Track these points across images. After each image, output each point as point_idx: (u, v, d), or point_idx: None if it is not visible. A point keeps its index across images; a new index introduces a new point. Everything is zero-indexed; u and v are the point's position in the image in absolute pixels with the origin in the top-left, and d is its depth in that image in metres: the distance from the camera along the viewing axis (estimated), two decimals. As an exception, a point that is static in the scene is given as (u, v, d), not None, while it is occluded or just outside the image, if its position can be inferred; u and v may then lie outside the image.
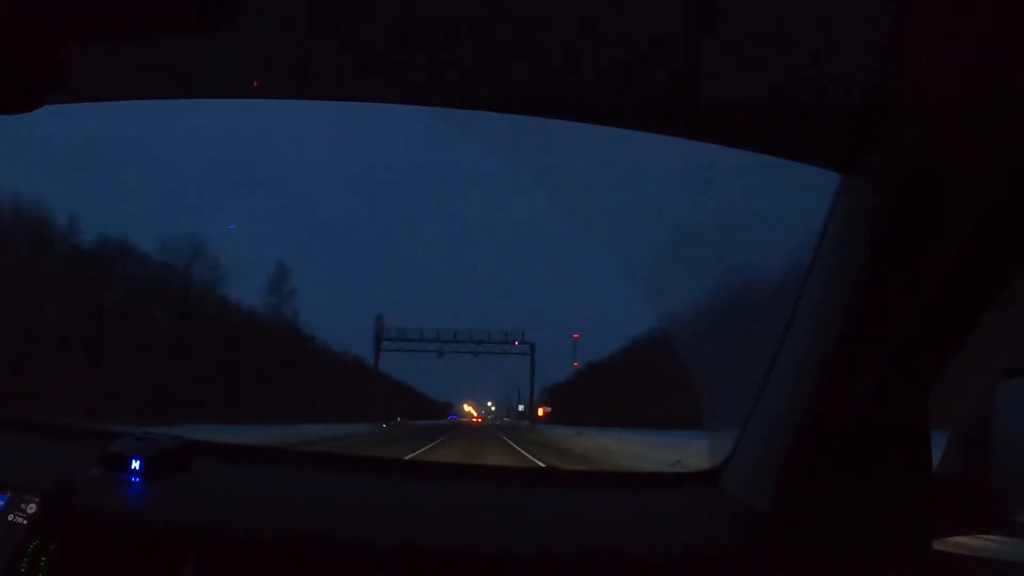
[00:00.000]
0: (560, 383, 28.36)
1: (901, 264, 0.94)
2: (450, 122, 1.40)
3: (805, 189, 1.19)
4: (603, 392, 24.53)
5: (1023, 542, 0.91)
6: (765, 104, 1.11)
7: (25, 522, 1.09)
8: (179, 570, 1.04)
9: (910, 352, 0.96)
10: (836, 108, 1.05)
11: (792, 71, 1.05)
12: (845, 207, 1.05)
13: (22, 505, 1.12)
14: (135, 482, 1.24)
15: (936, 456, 1.04)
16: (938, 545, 0.98)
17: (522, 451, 13.53)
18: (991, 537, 0.95)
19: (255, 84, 1.28)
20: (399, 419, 30.24)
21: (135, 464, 1.24)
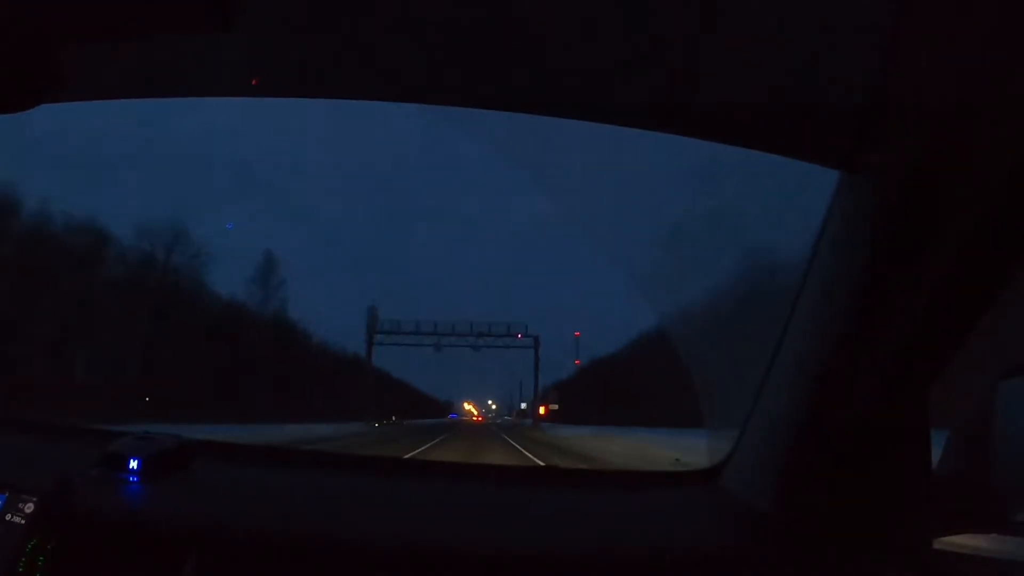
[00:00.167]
0: (561, 381, 28.12)
1: (901, 263, 0.94)
2: (450, 120, 1.40)
3: (805, 188, 1.19)
4: (604, 390, 24.35)
5: (1023, 542, 0.91)
6: (765, 103, 1.11)
7: (23, 522, 1.09)
8: (179, 570, 1.04)
9: (910, 352, 0.96)
10: (836, 107, 1.05)
11: (792, 70, 1.04)
12: (845, 206, 1.05)
13: (20, 505, 1.11)
14: (134, 482, 1.23)
15: (936, 456, 1.04)
16: (938, 545, 0.98)
17: (532, 456, 12.48)
18: (991, 537, 0.95)
19: (253, 83, 1.28)
20: (393, 418, 29.13)
21: (134, 464, 1.24)
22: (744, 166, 1.29)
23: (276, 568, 1.08)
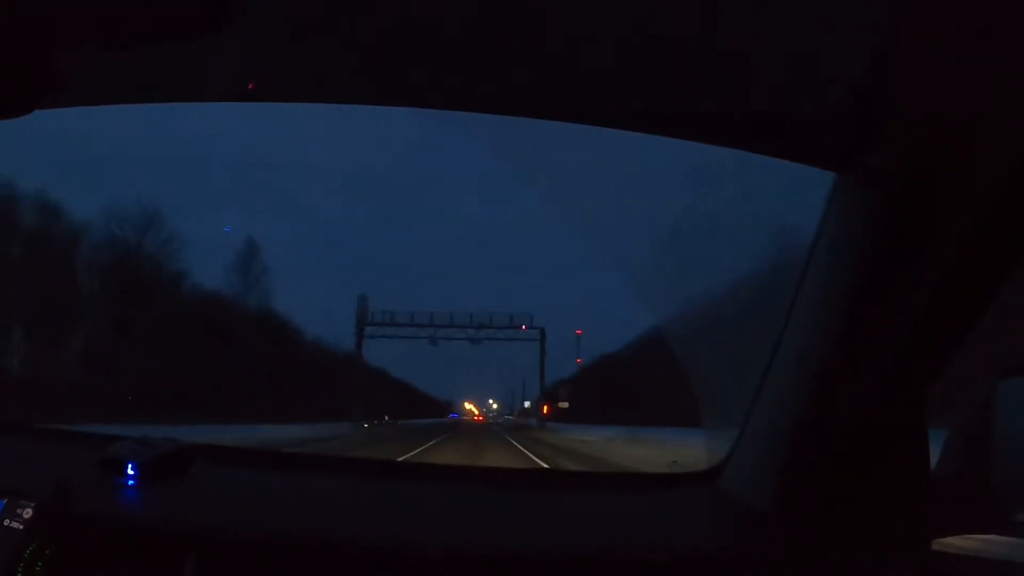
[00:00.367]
0: (563, 380, 27.67)
1: (899, 264, 0.94)
2: (450, 124, 1.40)
3: (804, 189, 1.19)
4: (605, 389, 24.14)
5: (1023, 542, 0.91)
6: (763, 105, 1.11)
7: (22, 527, 1.09)
8: (177, 574, 1.04)
9: (910, 352, 0.96)
10: (833, 108, 1.05)
11: (790, 71, 1.05)
12: (843, 207, 1.05)
13: (18, 510, 1.11)
14: (132, 486, 1.23)
15: (935, 456, 1.04)
16: (938, 545, 0.98)
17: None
18: (991, 537, 0.95)
19: (250, 87, 1.28)
20: (386, 418, 27.32)
21: (131, 468, 1.24)
22: (744, 166, 1.30)
23: (275, 572, 1.08)
